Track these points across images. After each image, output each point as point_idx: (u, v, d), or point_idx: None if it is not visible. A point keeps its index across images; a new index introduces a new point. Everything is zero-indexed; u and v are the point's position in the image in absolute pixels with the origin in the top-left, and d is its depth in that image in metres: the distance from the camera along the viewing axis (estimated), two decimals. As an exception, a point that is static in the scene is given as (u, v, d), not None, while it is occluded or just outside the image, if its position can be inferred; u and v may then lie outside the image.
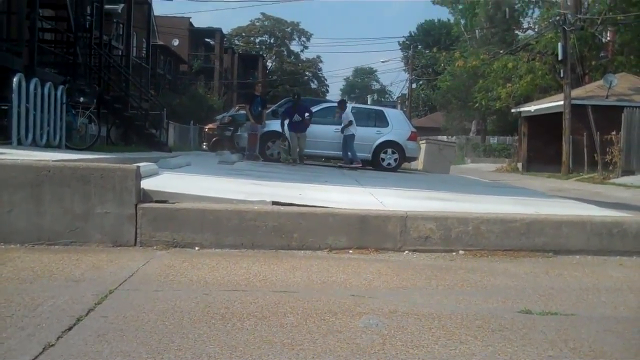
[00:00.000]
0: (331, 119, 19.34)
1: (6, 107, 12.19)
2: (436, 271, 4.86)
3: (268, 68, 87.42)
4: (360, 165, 18.08)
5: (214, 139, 26.50)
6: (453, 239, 5.59)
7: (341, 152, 18.91)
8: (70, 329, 3.09)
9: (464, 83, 50.03)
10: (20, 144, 11.42)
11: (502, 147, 52.21)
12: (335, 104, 20.18)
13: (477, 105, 45.86)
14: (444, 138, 44.76)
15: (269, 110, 19.20)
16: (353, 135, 18.13)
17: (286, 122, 17.93)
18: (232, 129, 23.24)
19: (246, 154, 18.37)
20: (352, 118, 18.22)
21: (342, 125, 18.23)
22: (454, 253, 5.53)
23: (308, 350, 2.94)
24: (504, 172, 35.16)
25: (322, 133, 18.74)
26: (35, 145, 12.10)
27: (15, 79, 11.56)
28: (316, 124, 18.73)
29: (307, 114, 17.83)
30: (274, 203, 5.94)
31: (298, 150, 18.03)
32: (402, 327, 3.34)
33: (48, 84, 12.97)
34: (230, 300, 3.70)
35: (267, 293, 3.94)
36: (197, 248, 5.30)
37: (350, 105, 19.63)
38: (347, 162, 18.27)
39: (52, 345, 2.86)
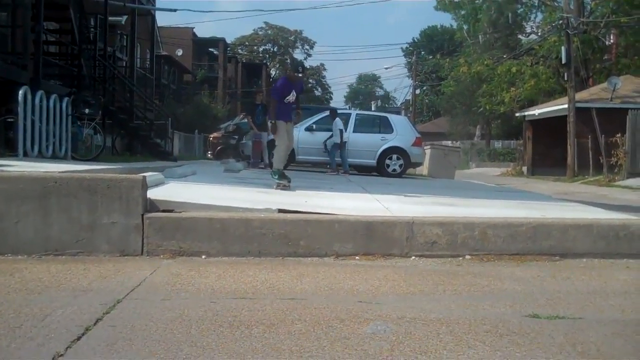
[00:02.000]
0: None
1: (12, 120, 12.25)
2: (443, 276, 4.86)
3: (272, 76, 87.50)
4: (335, 173, 18.01)
5: (219, 147, 26.54)
6: (459, 244, 5.59)
7: (347, 159, 18.94)
8: (79, 338, 3.10)
9: (467, 88, 49.97)
10: (26, 156, 11.47)
11: (507, 151, 52.14)
12: (342, 111, 20.22)
13: (481, 109, 45.82)
14: (449, 143, 44.72)
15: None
16: (337, 144, 18.10)
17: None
18: (236, 137, 23.27)
19: (251, 162, 18.39)
20: (341, 127, 18.17)
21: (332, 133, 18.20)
22: (460, 258, 5.53)
23: (316, 357, 2.95)
24: (509, 176, 35.08)
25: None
26: (41, 156, 12.14)
27: (20, 92, 11.61)
28: (321, 130, 18.75)
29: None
30: (280, 211, 5.95)
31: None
32: (409, 333, 3.34)
33: (53, 96, 13.02)
34: (238, 309, 3.70)
35: (274, 301, 3.94)
36: (204, 257, 5.31)
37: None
38: (334, 169, 18.28)
39: (62, 355, 2.87)
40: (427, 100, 78.63)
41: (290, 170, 16.98)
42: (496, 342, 3.23)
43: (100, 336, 3.15)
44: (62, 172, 6.07)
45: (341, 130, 18.04)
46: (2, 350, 2.91)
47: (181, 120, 39.15)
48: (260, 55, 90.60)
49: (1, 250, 5.18)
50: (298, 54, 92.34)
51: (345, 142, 18.12)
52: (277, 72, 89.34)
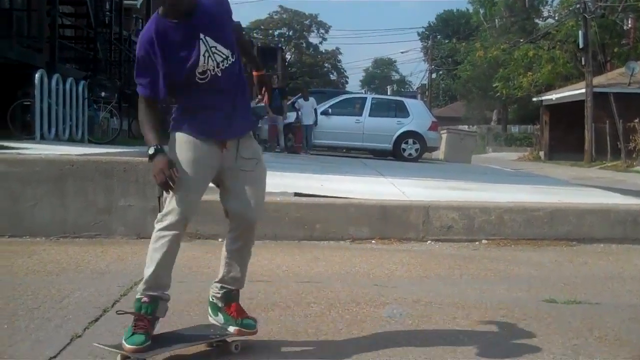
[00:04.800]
0: (351, 109, 19.31)
1: (29, 103, 12.28)
2: (459, 261, 4.85)
3: (287, 60, 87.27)
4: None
5: (234, 131, 26.51)
6: (476, 228, 5.57)
7: (362, 143, 18.97)
8: (96, 320, 3.13)
9: (484, 72, 49.61)
10: (43, 139, 11.50)
11: (524, 136, 51.78)
12: (357, 96, 20.25)
13: (498, 94, 45.53)
14: (465, 127, 44.47)
15: (289, 102, 19.12)
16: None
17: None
18: (252, 121, 23.25)
19: (267, 146, 18.39)
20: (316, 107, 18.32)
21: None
22: (477, 242, 5.51)
23: (332, 340, 2.95)
24: (525, 161, 34.86)
25: (343, 124, 18.68)
26: (58, 140, 12.17)
27: (37, 75, 11.63)
28: (337, 115, 18.74)
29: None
30: (296, 194, 5.95)
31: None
32: (426, 317, 3.34)
33: (69, 80, 13.03)
34: (255, 291, 3.71)
35: (290, 283, 3.95)
36: (220, 240, 5.30)
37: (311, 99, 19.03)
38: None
39: (80, 336, 2.89)
40: (443, 85, 78.23)
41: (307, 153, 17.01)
42: (512, 327, 3.22)
43: (117, 317, 3.16)
44: (79, 155, 6.09)
45: (315, 110, 18.20)
46: (21, 331, 2.93)
47: (197, 104, 39.24)
48: (276, 39, 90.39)
49: (19, 233, 5.21)
50: (313, 38, 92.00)
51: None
52: (293, 56, 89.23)
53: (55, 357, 2.65)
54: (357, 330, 3.09)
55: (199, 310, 3.30)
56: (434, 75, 68.34)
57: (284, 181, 7.50)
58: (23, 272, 4.07)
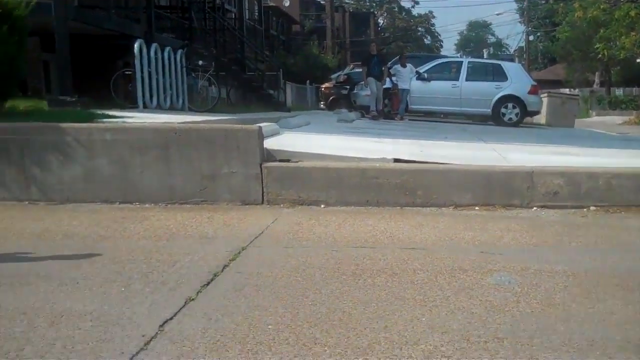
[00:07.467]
0: (447, 74, 19.01)
1: (130, 72, 12.61)
2: (567, 228, 4.72)
3: (379, 25, 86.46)
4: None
5: (331, 97, 26.50)
6: (583, 194, 5.40)
7: (460, 108, 18.69)
8: (208, 284, 3.21)
9: (584, 33, 47.84)
10: (145, 108, 11.80)
11: (629, 98, 49.82)
12: (453, 59, 19.98)
13: (599, 56, 43.85)
14: (567, 91, 43.14)
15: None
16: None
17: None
18: (348, 87, 23.19)
19: (364, 113, 18.30)
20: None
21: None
22: (584, 209, 5.34)
23: (441, 307, 2.93)
24: (632, 124, 33.54)
25: (439, 89, 18.42)
26: (159, 108, 12.46)
27: (136, 45, 11.89)
28: (433, 79, 18.50)
29: None
30: (395, 160, 5.91)
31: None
32: (535, 285, 3.27)
33: (167, 49, 13.28)
34: (359, 257, 3.72)
35: (395, 250, 3.94)
36: (322, 206, 5.35)
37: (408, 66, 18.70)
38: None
39: (193, 300, 2.97)
40: (541, 47, 75.99)
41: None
42: (628, 296, 3.12)
43: (228, 282, 3.25)
44: (181, 123, 6.22)
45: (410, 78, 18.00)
46: (137, 294, 3.04)
47: (292, 71, 39.32)
48: (367, 4, 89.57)
49: (129, 199, 5.39)
50: (405, 2, 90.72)
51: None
52: (385, 21, 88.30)
53: (171, 319, 2.73)
54: (466, 298, 3.06)
55: (306, 276, 3.34)
56: (531, 37, 66.44)
57: (382, 147, 7.47)
58: (136, 237, 4.21)
